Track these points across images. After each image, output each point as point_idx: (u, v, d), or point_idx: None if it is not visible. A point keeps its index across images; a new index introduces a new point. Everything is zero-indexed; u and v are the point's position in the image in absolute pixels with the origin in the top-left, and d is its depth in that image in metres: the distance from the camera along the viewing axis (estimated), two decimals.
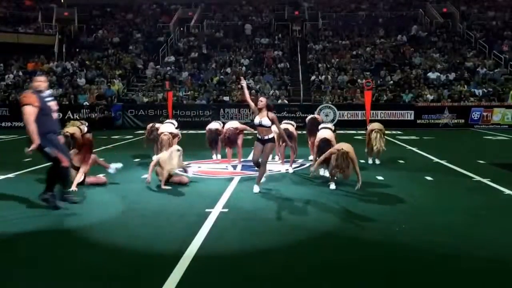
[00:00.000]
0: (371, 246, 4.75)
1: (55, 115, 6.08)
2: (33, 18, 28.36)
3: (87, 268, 4.19)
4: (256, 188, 7.04)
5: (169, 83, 20.95)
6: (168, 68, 24.12)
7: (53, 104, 6.06)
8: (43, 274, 4.07)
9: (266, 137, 7.03)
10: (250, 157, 10.29)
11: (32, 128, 5.69)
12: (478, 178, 8.11)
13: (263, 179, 7.32)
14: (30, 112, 5.71)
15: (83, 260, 4.37)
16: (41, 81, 6.00)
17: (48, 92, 6.17)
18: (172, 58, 25.14)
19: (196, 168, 8.97)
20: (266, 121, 6.94)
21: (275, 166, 9.32)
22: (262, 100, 7.07)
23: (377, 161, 9.70)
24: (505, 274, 4.04)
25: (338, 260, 4.40)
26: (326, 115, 19.13)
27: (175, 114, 19.27)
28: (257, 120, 7.03)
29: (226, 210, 6.05)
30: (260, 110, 7.03)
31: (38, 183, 7.02)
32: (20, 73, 23.57)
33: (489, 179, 7.88)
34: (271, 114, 7.00)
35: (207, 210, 6.01)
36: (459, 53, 24.17)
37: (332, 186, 7.26)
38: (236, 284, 3.88)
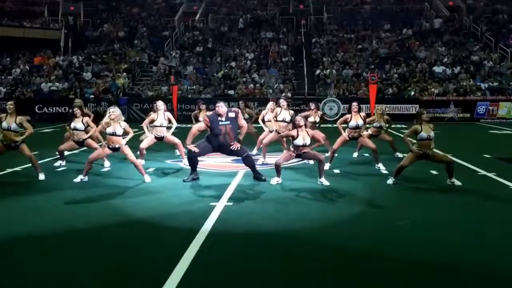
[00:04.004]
0: (372, 240, 4.80)
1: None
2: (39, 13, 28.44)
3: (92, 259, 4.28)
4: (325, 182, 7.18)
5: (174, 77, 20.99)
6: (174, 62, 24.16)
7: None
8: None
9: (304, 151, 7.21)
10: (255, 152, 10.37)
11: None
12: (483, 172, 8.12)
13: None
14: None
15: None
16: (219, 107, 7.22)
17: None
18: (177, 53, 25.16)
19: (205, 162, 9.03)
20: (309, 141, 7.16)
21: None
22: (301, 120, 7.19)
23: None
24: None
25: (337, 253, 4.45)
26: (330, 109, 19.13)
27: (180, 108, 19.34)
28: (300, 141, 7.10)
29: (230, 203, 6.11)
30: (301, 128, 7.13)
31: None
32: (27, 67, 23.71)
33: (494, 173, 7.89)
34: (311, 131, 7.34)
35: (212, 203, 6.08)
36: (465, 46, 24.02)
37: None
38: (238, 277, 3.95)
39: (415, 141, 7.17)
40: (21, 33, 25.79)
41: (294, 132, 7.15)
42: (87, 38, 27.35)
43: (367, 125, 9.33)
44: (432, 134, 6.98)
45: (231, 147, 7.27)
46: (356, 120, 8.55)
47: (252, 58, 24.12)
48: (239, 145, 7.30)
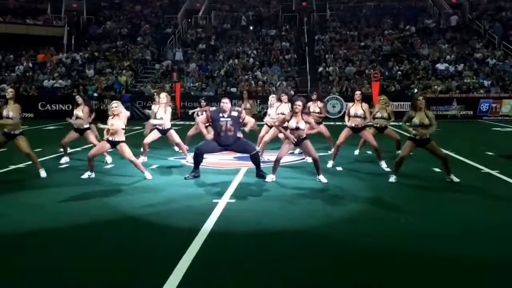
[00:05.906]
0: (374, 237, 4.80)
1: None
2: (42, 10, 28.49)
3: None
4: (323, 179, 7.21)
5: (177, 74, 21.01)
6: (177, 56, 24.22)
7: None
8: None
9: (301, 137, 7.18)
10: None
11: None
12: (486, 170, 8.11)
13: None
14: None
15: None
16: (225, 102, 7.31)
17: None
18: (180, 50, 25.17)
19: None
20: (302, 125, 7.09)
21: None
22: (300, 105, 7.09)
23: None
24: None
25: (339, 251, 4.46)
26: (333, 106, 19.09)
27: (183, 105, 19.35)
28: (293, 123, 7.11)
29: (233, 200, 6.12)
30: (296, 114, 7.12)
31: None
32: (30, 65, 23.78)
33: (497, 171, 7.88)
34: (306, 117, 7.20)
35: (214, 200, 6.09)
36: (468, 44, 23.94)
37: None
38: (240, 276, 3.96)
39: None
40: (24, 30, 25.89)
41: (288, 116, 7.17)
42: (90, 35, 27.40)
43: (372, 120, 9.24)
44: (426, 121, 6.98)
45: (234, 140, 7.32)
46: (355, 108, 8.46)
47: (255, 56, 24.12)
48: (241, 135, 7.36)
